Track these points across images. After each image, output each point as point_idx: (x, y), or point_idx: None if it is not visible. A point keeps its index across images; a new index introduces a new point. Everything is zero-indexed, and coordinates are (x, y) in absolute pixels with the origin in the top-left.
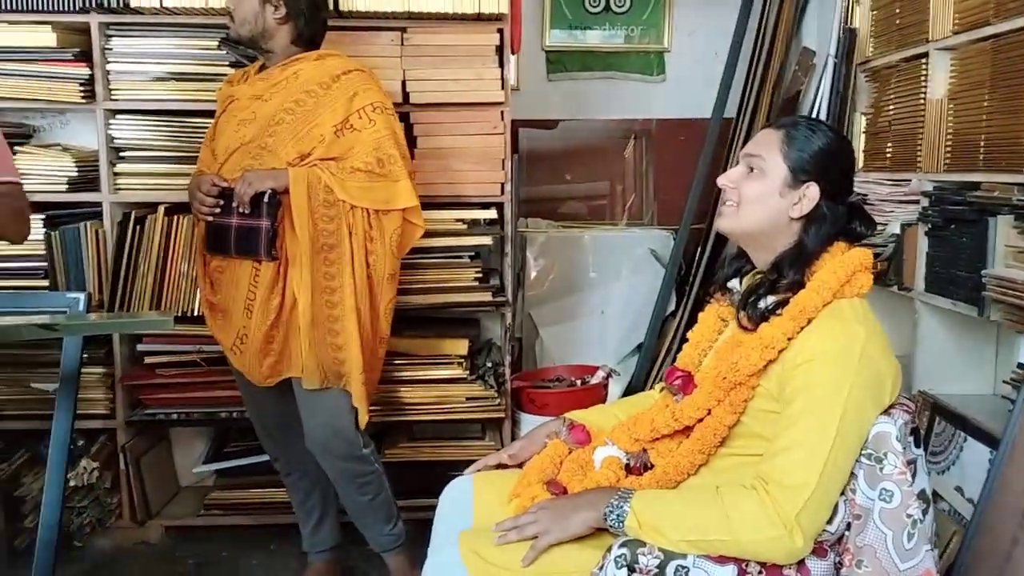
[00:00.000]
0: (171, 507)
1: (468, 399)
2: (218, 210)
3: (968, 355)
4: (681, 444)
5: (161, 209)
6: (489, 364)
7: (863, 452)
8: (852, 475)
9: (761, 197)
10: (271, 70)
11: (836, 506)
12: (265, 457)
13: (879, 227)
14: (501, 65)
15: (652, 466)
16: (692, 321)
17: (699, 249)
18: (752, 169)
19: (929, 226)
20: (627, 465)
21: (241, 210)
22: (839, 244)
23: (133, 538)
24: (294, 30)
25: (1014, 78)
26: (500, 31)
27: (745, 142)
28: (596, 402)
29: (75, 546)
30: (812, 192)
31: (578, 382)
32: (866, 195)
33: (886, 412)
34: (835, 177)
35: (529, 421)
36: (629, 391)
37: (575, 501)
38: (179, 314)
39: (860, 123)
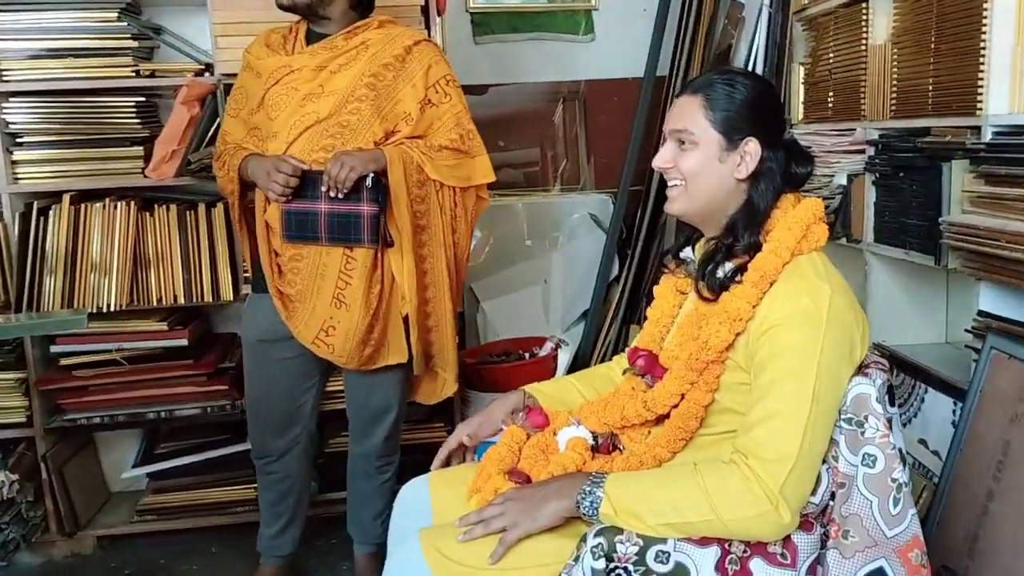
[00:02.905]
0: (102, 516)
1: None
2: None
3: (919, 304)
4: (654, 431)
5: (67, 198)
6: None
7: (843, 416)
8: (833, 441)
9: (703, 169)
10: (333, 39)
11: (819, 475)
12: (200, 456)
13: (826, 179)
14: (427, 28)
15: (622, 448)
16: (637, 285)
17: (639, 211)
18: (683, 143)
19: (877, 175)
20: (594, 446)
21: (333, 195)
22: (787, 197)
23: (63, 551)
24: None
25: (963, 17)
26: None
27: None
28: (546, 375)
29: None
30: (752, 147)
31: (526, 355)
32: (809, 146)
33: (862, 372)
34: (768, 124)
35: (479, 399)
36: (577, 358)
37: (544, 489)
38: (94, 310)
39: (799, 73)
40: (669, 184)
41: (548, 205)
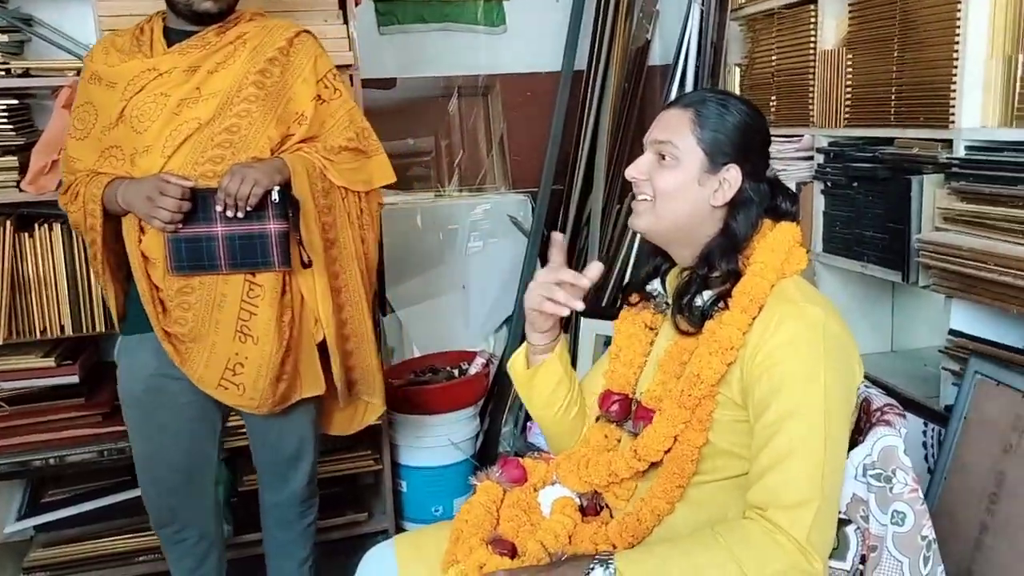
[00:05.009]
0: None
1: None
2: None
3: (867, 314)
4: (641, 485)
5: None
6: None
7: (871, 473)
8: (861, 500)
9: (678, 189)
10: (203, 35)
11: (848, 538)
12: (95, 503)
13: None
14: (345, 21)
15: (606, 506)
16: None
17: (561, 211)
18: (664, 157)
19: (827, 184)
20: (580, 506)
21: (231, 214)
22: (766, 221)
23: None
24: None
25: (933, 25)
26: None
27: (601, 97)
28: (480, 393)
29: None
30: (733, 175)
31: (455, 371)
32: None
33: (884, 422)
34: (754, 155)
35: (410, 422)
36: (500, 367)
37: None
38: None
39: (735, 75)
40: (637, 197)
41: (461, 206)
